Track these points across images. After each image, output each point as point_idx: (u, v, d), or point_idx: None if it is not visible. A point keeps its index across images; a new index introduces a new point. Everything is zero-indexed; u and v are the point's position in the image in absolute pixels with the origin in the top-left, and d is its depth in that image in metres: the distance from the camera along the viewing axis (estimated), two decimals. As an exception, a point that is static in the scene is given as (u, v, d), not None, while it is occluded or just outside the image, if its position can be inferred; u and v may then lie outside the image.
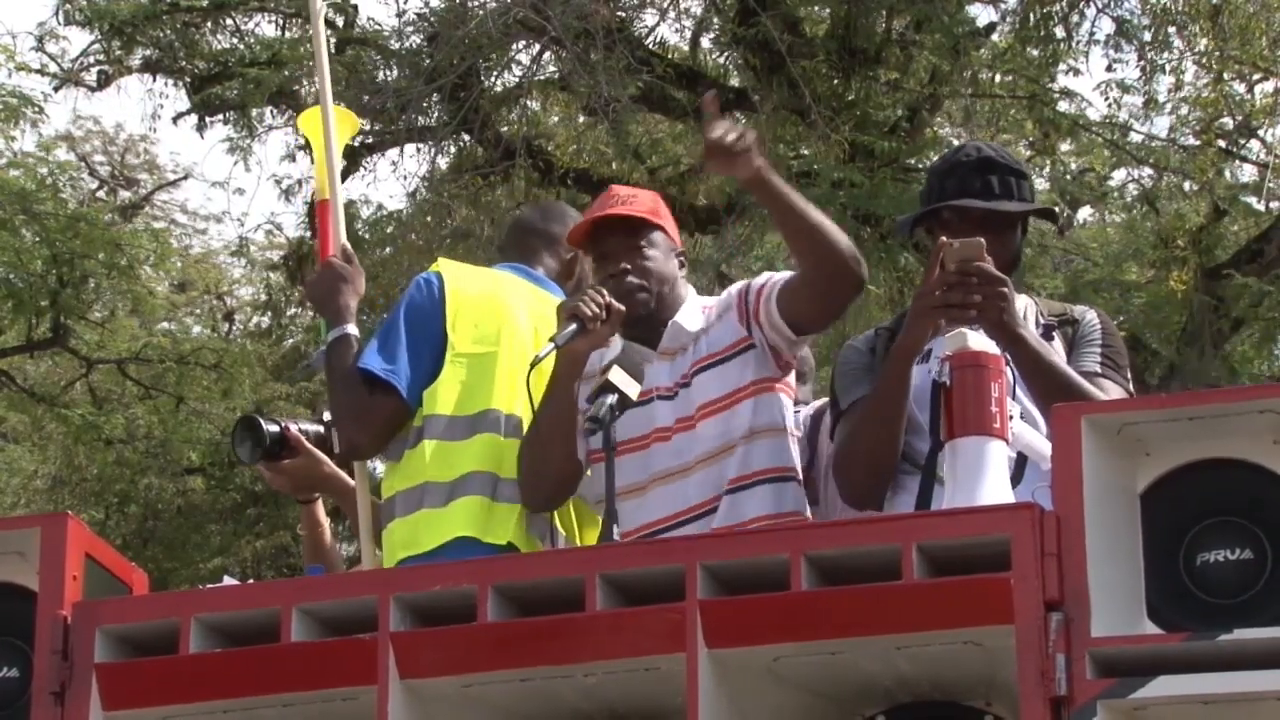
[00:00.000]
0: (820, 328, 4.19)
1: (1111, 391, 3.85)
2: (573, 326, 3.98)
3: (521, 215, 4.90)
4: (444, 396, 4.28)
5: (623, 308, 4.04)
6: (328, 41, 5.05)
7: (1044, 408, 3.70)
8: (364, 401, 4.28)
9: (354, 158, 13.04)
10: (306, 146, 14.00)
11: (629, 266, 4.20)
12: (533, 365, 4.02)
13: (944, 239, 3.76)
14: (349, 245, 4.69)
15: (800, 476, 4.21)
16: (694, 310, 4.28)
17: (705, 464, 4.11)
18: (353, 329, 4.46)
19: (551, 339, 3.99)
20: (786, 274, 4.14)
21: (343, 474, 4.85)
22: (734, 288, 4.28)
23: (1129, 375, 4.00)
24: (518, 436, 4.25)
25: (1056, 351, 3.92)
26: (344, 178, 10.89)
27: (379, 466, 4.91)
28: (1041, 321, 4.02)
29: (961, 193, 4.01)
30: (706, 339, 4.21)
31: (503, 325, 4.35)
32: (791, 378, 4.25)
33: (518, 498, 4.23)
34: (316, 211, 4.86)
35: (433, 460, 4.24)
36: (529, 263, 4.59)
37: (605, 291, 4.04)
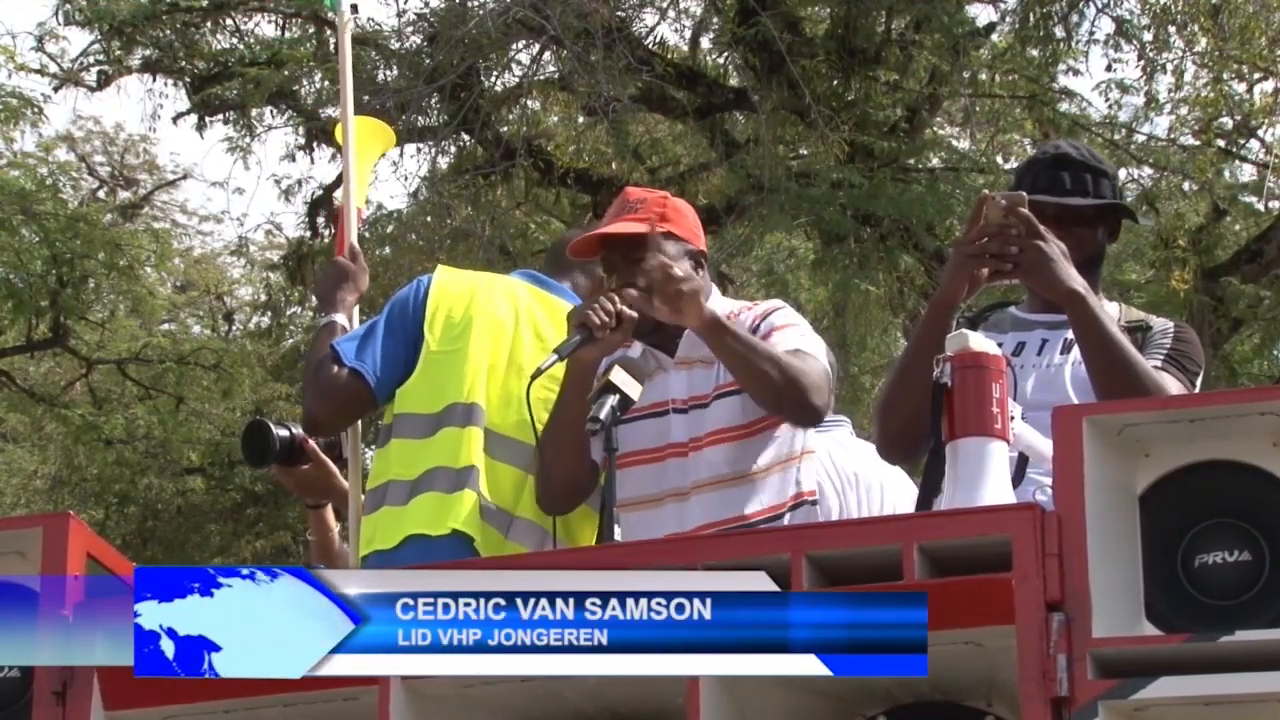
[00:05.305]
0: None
1: (1170, 385, 3.74)
2: (577, 337, 3.93)
3: (565, 236, 4.98)
4: (411, 396, 4.39)
5: (635, 314, 3.96)
6: (346, 52, 5.21)
7: (1096, 379, 3.68)
8: (328, 379, 4.41)
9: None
10: (304, 146, 14.05)
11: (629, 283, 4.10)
12: (534, 377, 4.00)
13: (985, 192, 3.75)
14: (357, 246, 4.85)
15: (817, 498, 4.20)
16: None
17: (716, 487, 4.06)
18: (340, 318, 4.63)
19: (555, 349, 3.98)
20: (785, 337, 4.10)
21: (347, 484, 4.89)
22: (748, 317, 4.17)
23: (1197, 383, 3.88)
24: (476, 425, 4.28)
25: None
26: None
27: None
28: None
29: (1034, 189, 3.99)
30: None
31: (473, 317, 4.41)
32: None
33: (474, 485, 4.25)
34: (336, 214, 5.07)
35: (396, 458, 4.35)
36: (554, 275, 4.59)
37: (617, 299, 3.97)
